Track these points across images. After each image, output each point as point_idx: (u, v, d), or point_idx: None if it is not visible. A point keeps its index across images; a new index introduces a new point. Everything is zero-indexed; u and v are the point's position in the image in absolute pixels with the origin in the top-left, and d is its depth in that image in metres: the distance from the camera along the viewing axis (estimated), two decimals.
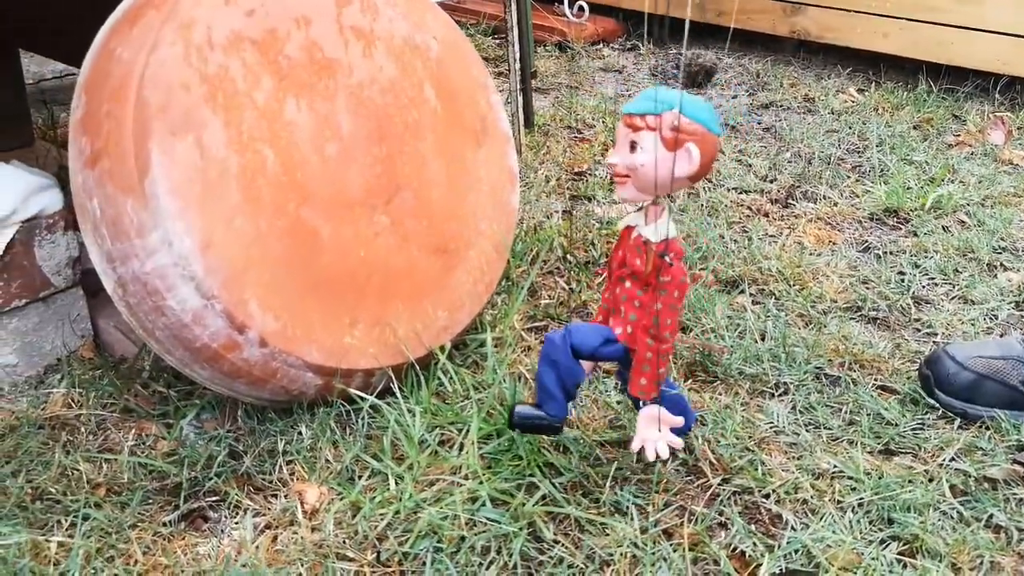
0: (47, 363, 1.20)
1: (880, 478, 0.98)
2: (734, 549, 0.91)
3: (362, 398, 1.08)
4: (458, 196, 1.23)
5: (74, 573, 0.87)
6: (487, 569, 0.89)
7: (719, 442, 1.06)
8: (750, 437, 1.07)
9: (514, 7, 1.89)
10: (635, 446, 0.93)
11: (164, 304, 0.99)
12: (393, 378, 1.13)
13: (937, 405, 1.13)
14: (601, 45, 3.06)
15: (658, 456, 0.92)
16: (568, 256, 1.56)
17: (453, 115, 1.24)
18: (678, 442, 0.93)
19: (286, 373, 1.05)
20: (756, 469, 1.01)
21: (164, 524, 0.96)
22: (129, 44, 1.00)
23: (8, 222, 1.10)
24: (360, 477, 1.02)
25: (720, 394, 1.16)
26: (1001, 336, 1.31)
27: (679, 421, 0.93)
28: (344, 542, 0.93)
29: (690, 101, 0.87)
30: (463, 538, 0.92)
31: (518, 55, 1.94)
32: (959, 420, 1.11)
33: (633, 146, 0.86)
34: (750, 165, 2.03)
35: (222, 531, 0.96)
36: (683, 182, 0.88)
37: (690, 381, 1.20)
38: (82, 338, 1.23)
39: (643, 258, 0.90)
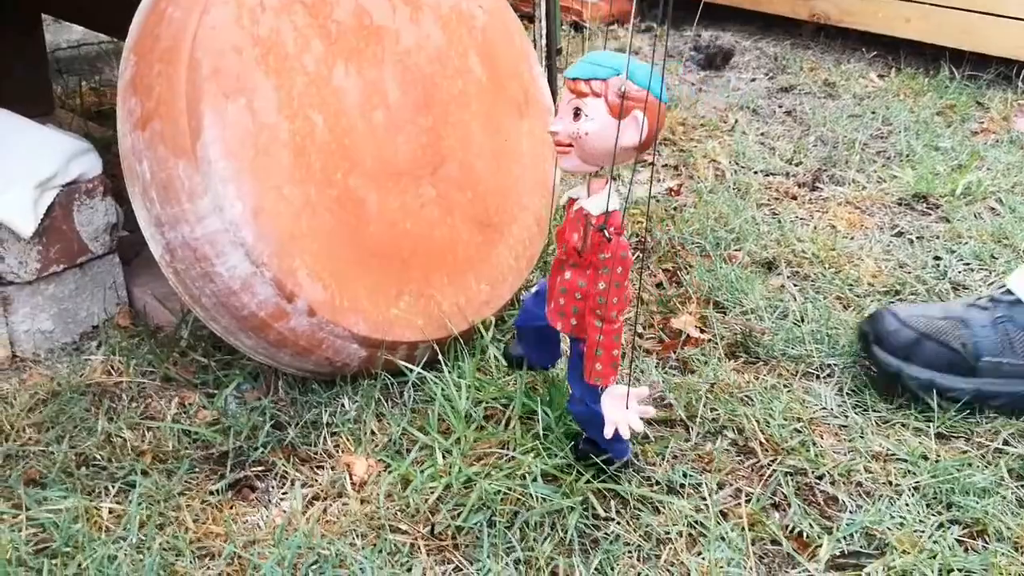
0: (82, 330, 1.18)
1: (937, 461, 0.98)
2: (791, 530, 0.91)
3: (409, 370, 1.07)
4: (501, 169, 1.21)
5: (132, 539, 0.85)
6: (543, 544, 0.88)
7: (768, 423, 1.05)
8: (798, 419, 1.06)
9: None
10: (608, 432, 0.87)
11: (212, 271, 0.97)
12: (437, 351, 1.11)
13: (870, 364, 1.09)
14: (616, 26, 3.03)
15: (632, 431, 0.87)
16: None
17: (497, 86, 1.22)
18: (650, 410, 0.89)
19: (332, 344, 1.03)
20: (808, 450, 1.01)
21: (211, 493, 0.95)
22: (180, 4, 0.97)
23: (50, 185, 1.08)
24: (408, 450, 1.01)
25: (764, 375, 1.16)
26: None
27: (645, 391, 0.88)
28: (396, 514, 0.92)
29: (637, 66, 0.81)
30: (516, 513, 0.91)
31: (544, 32, 1.91)
32: (1009, 406, 1.09)
33: (577, 113, 0.81)
34: (773, 148, 2.01)
35: (270, 501, 0.95)
36: (629, 152, 0.82)
37: (732, 361, 1.19)
38: (117, 306, 1.21)
39: (580, 232, 0.85)
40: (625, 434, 0.87)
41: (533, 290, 0.99)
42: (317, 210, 1.02)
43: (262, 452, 1.00)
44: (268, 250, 0.97)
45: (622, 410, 0.87)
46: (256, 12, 0.99)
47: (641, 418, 0.88)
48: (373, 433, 1.03)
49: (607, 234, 0.83)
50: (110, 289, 1.20)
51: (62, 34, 2.37)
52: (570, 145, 0.82)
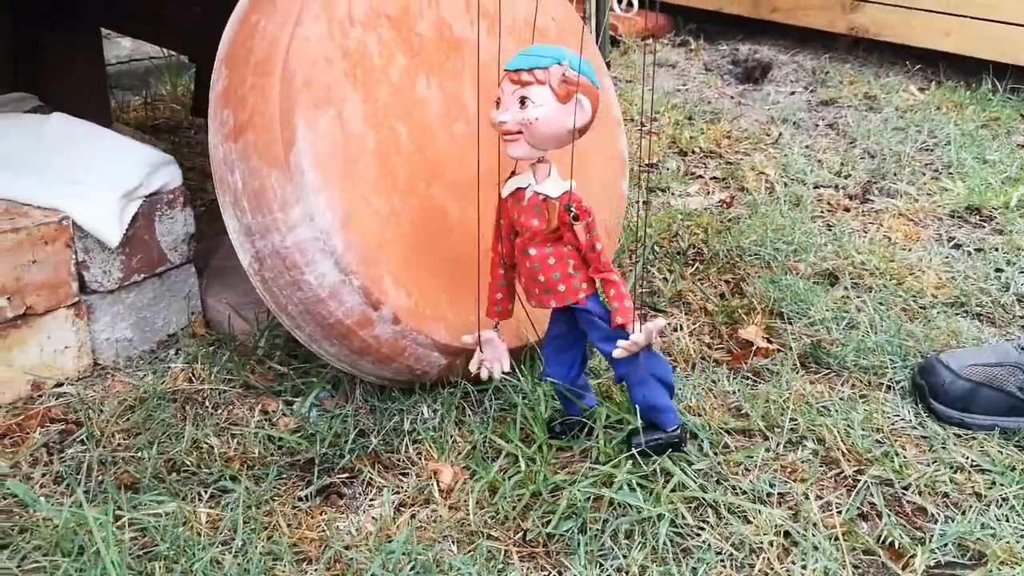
0: (159, 338, 1.20)
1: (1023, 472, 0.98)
2: (883, 540, 0.91)
3: (490, 378, 1.08)
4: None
5: (238, 543, 0.86)
6: (634, 552, 0.89)
7: (848, 433, 1.05)
8: (878, 429, 1.07)
9: (593, 1, 1.88)
10: (655, 342, 0.95)
11: (301, 279, 0.98)
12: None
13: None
14: (651, 40, 3.04)
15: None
16: (655, 246, 1.56)
17: None
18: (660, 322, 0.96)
19: (414, 352, 1.04)
20: (892, 461, 1.01)
21: (300, 499, 0.96)
22: (273, 17, 0.99)
23: (134, 195, 1.10)
24: (492, 458, 1.01)
25: (838, 386, 1.16)
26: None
27: (661, 323, 0.95)
28: (487, 521, 0.92)
29: (572, 55, 0.89)
30: (606, 520, 0.92)
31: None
32: None
33: (523, 102, 0.88)
34: (820, 161, 2.02)
35: (359, 507, 0.96)
36: (576, 133, 0.89)
37: (802, 373, 1.20)
38: (192, 314, 1.23)
39: (542, 216, 0.92)
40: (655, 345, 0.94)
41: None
42: (401, 219, 1.03)
43: (347, 459, 1.01)
44: (356, 258, 0.98)
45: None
46: (345, 25, 1.00)
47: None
48: (455, 440, 1.04)
49: (573, 211, 0.91)
50: (185, 298, 1.22)
51: (112, 50, 2.41)
52: (519, 132, 0.89)
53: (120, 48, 2.43)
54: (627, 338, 0.93)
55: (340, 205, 0.97)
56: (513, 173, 0.97)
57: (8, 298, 1.03)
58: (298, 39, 0.97)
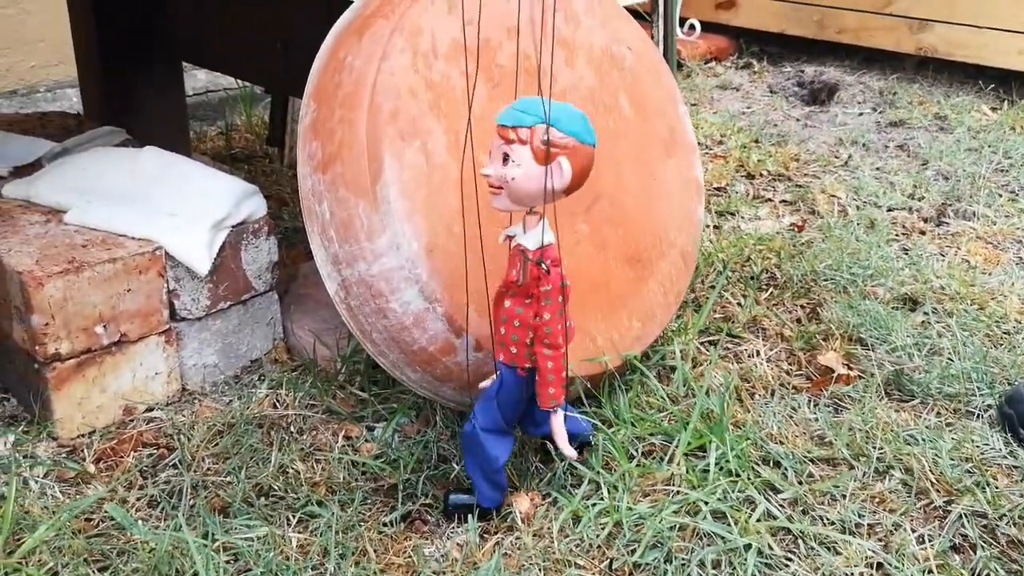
0: (243, 364, 1.23)
1: None
2: (977, 573, 0.89)
3: (571, 406, 1.08)
4: (650, 205, 1.22)
5: (329, 569, 0.88)
6: None
7: (936, 463, 1.03)
8: (967, 459, 1.04)
9: (661, 25, 1.89)
10: (573, 453, 0.94)
11: (387, 307, 1.00)
12: (589, 386, 1.12)
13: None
14: (713, 63, 3.04)
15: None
16: (728, 270, 1.55)
17: (644, 124, 1.24)
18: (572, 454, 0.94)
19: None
20: (984, 491, 0.98)
21: (385, 524, 0.97)
22: (360, 53, 1.02)
23: (223, 225, 1.13)
24: (572, 485, 1.01)
25: (923, 414, 1.14)
26: None
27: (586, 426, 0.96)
28: (572, 550, 0.92)
29: (563, 112, 0.85)
30: (692, 550, 0.91)
31: None
32: None
33: (506, 158, 0.86)
34: (892, 183, 1.99)
35: (443, 534, 0.96)
36: (556, 194, 0.87)
37: (886, 400, 1.17)
38: (275, 340, 1.25)
39: (518, 268, 0.90)
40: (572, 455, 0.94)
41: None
42: (482, 248, 1.04)
43: (429, 485, 1.02)
44: (440, 286, 0.99)
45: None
46: (429, 58, 1.03)
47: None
48: (538, 468, 1.04)
49: (545, 267, 0.88)
50: (268, 325, 1.25)
51: (188, 81, 2.49)
52: (500, 187, 0.87)
53: (196, 80, 2.50)
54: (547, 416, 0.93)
55: (425, 234, 0.99)
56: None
57: (104, 325, 1.07)
58: (384, 72, 1.00)
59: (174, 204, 1.13)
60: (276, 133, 2.02)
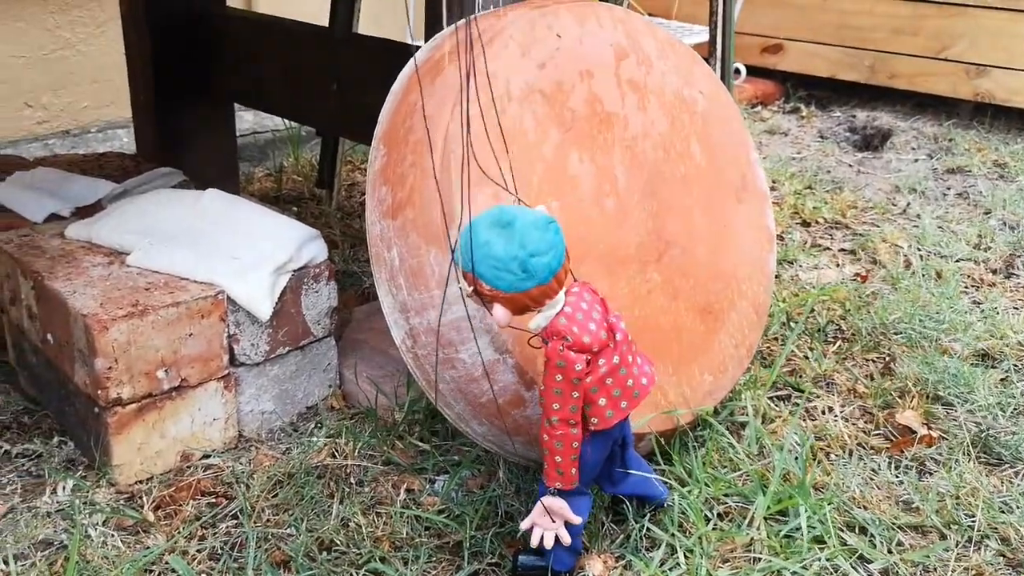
0: (299, 410, 1.20)
1: None
2: None
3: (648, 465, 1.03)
4: (721, 254, 1.19)
5: None
6: None
7: None
8: None
9: (719, 68, 1.87)
10: (524, 525, 0.90)
11: (456, 357, 0.97)
12: (662, 442, 1.08)
13: None
14: (760, 107, 3.01)
15: (542, 542, 0.88)
16: (791, 322, 1.50)
17: (716, 170, 1.21)
18: (566, 538, 0.89)
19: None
20: None
21: None
22: (431, 98, 1.00)
23: (285, 269, 1.11)
24: (646, 548, 0.97)
25: (1016, 480, 1.08)
26: None
27: (575, 519, 0.88)
28: None
29: (485, 260, 0.80)
30: None
31: None
32: None
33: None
34: (955, 232, 1.93)
35: None
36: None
37: (972, 463, 1.11)
38: (331, 387, 1.22)
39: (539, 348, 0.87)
40: (535, 542, 0.89)
41: None
42: None
43: (496, 543, 0.97)
44: (511, 336, 0.96)
45: (548, 520, 0.88)
46: (503, 102, 1.00)
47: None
48: (611, 528, 1.00)
49: (544, 339, 0.85)
50: (325, 371, 1.22)
51: (236, 123, 2.50)
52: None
53: (243, 121, 2.52)
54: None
55: None
56: None
57: (166, 370, 1.04)
58: (456, 118, 0.97)
59: (236, 247, 1.11)
60: (326, 175, 2.01)
